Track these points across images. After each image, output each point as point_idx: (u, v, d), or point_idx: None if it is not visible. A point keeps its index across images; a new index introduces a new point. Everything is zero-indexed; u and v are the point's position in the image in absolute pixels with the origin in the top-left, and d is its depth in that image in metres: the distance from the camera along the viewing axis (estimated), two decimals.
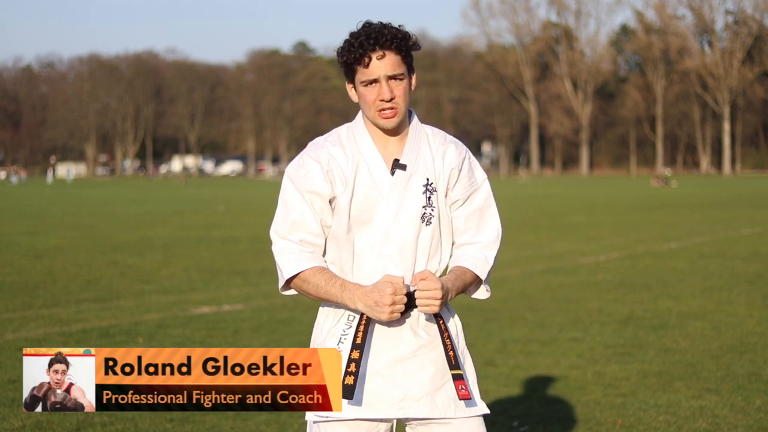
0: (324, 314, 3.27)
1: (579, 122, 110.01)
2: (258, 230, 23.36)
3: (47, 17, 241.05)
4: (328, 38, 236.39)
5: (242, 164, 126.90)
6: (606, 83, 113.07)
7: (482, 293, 3.34)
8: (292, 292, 3.29)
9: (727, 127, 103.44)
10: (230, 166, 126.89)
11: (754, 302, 11.45)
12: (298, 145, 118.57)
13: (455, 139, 3.33)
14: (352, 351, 3.11)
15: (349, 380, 3.07)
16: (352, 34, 3.14)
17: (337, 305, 3.20)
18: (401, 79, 3.15)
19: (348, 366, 3.09)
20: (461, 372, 3.14)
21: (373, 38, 3.10)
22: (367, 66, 3.12)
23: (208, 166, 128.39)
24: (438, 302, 3.09)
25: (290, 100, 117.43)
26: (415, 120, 3.29)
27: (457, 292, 3.20)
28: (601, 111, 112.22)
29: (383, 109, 3.15)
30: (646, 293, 12.27)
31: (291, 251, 3.20)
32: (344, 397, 3.04)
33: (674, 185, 63.57)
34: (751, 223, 25.30)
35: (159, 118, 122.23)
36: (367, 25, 3.15)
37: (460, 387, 3.11)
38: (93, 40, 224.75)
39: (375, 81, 3.14)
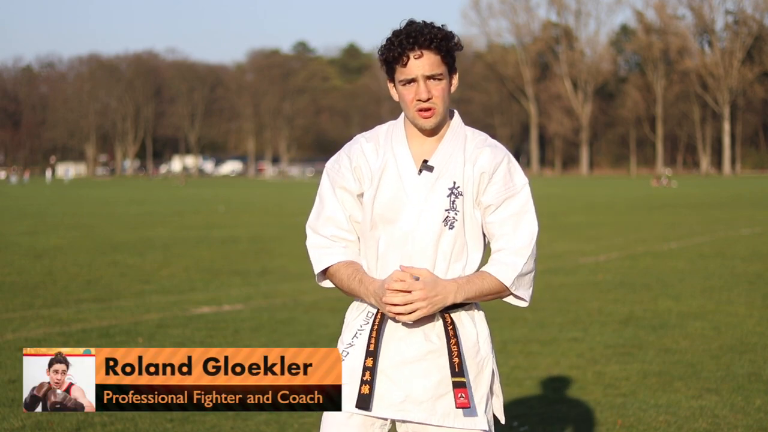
0: (350, 309, 3.29)
1: (579, 122, 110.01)
2: (258, 230, 23.37)
3: (47, 17, 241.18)
4: (328, 38, 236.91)
5: (242, 164, 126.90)
6: (606, 83, 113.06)
7: (515, 301, 3.23)
8: (328, 283, 3.30)
9: (727, 127, 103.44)
10: (230, 166, 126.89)
11: (754, 302, 11.44)
12: (298, 145, 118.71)
13: (496, 142, 3.25)
14: (366, 358, 3.11)
15: (365, 389, 3.07)
16: (393, 32, 3.12)
17: (361, 300, 3.22)
18: (440, 80, 3.11)
19: (363, 374, 3.09)
20: (463, 380, 3.07)
21: (412, 37, 3.07)
22: (405, 65, 3.10)
23: (208, 166, 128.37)
24: (412, 309, 3.01)
25: (290, 100, 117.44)
26: (457, 120, 3.25)
27: (467, 296, 3.10)
28: (601, 111, 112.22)
29: (421, 109, 3.12)
30: (646, 293, 12.26)
31: (321, 245, 3.24)
32: (359, 406, 3.06)
33: (674, 185, 63.56)
34: (751, 223, 25.30)
35: (159, 118, 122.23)
36: (409, 24, 3.12)
37: (459, 395, 3.05)
38: (93, 40, 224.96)
39: (413, 80, 3.11)
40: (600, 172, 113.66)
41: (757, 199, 40.60)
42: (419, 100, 3.11)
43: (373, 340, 3.12)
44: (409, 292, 3.02)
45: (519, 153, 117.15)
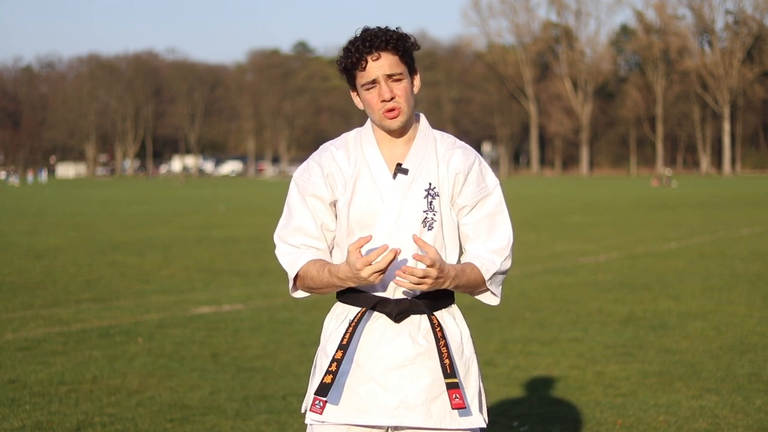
0: (329, 318, 3.29)
1: (579, 122, 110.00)
2: (258, 230, 23.36)
3: (47, 17, 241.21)
4: (328, 38, 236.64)
5: (242, 164, 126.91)
6: (606, 83, 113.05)
7: (489, 298, 3.25)
8: (301, 293, 3.28)
9: (727, 127, 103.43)
10: (230, 166, 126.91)
11: (754, 302, 11.44)
12: (298, 145, 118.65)
13: (465, 144, 3.28)
14: (337, 351, 3.12)
15: (328, 379, 3.08)
16: (348, 41, 3.15)
17: (344, 308, 3.22)
18: (400, 79, 3.13)
19: (330, 365, 3.10)
20: (456, 381, 3.08)
21: (368, 41, 3.10)
22: (364, 69, 3.11)
23: (208, 166, 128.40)
24: (418, 281, 2.96)
25: (290, 100, 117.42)
26: (424, 124, 3.26)
27: (459, 284, 3.11)
28: (601, 111, 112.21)
29: (386, 110, 3.12)
30: (646, 293, 12.26)
31: (290, 253, 3.22)
32: (318, 394, 3.05)
33: (674, 185, 63.54)
34: (751, 223, 25.30)
35: (159, 118, 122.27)
36: (364, 30, 3.14)
37: (453, 396, 3.06)
38: (93, 40, 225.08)
39: (374, 82, 3.12)
40: (600, 172, 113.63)
41: (757, 199, 40.59)
42: (383, 101, 3.11)
43: (347, 335, 3.12)
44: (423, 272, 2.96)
45: (519, 153, 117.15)
